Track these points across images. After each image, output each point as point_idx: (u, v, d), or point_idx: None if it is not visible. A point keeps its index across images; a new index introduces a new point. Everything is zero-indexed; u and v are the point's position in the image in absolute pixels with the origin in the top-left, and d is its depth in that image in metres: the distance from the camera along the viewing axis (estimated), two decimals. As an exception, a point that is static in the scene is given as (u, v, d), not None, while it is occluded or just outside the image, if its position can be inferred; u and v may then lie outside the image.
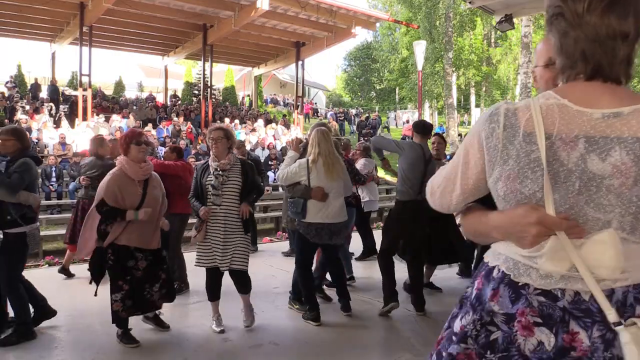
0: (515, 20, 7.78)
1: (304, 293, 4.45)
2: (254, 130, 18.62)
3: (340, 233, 4.46)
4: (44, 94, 19.84)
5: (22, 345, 3.78)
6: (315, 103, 37.88)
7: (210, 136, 4.16)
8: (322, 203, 4.25)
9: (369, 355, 3.80)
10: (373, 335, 4.10)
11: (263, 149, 16.43)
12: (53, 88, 19.46)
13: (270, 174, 14.19)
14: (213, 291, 4.22)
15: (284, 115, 25.82)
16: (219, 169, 4.05)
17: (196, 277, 5.01)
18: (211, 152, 4.17)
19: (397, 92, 43.93)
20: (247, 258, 4.09)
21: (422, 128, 4.85)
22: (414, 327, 4.30)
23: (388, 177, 15.89)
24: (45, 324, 4.17)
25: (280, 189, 11.95)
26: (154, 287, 3.93)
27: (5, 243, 3.73)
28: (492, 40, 34.63)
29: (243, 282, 4.17)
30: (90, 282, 3.83)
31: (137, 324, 4.03)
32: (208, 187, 4.05)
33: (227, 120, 19.48)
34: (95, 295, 3.80)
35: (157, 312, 4.16)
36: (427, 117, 38.11)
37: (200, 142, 16.15)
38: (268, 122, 20.97)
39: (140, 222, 3.80)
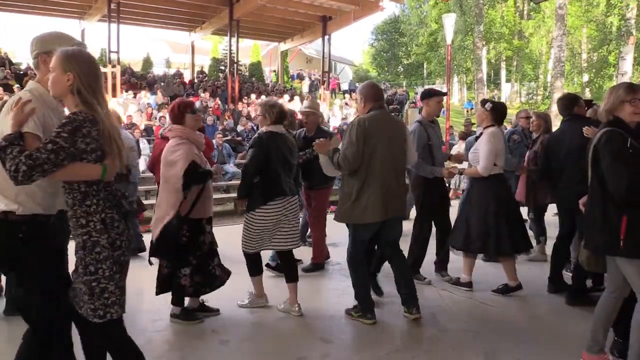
0: (549, -9, 7.50)
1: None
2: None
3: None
4: (74, 70, 20.13)
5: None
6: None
7: None
8: None
9: (392, 329, 3.83)
10: (399, 310, 4.10)
11: (289, 125, 16.43)
12: (83, 65, 19.75)
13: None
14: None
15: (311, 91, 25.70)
16: None
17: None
18: None
19: (425, 66, 43.20)
20: (243, 237, 4.03)
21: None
22: (439, 304, 4.31)
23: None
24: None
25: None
26: (214, 261, 3.87)
27: None
28: (525, 13, 33.58)
29: None
30: (151, 264, 3.63)
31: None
32: None
33: (253, 96, 19.49)
34: (151, 264, 3.64)
35: (200, 300, 3.99)
36: (455, 92, 37.47)
37: (227, 118, 16.24)
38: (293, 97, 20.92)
39: (208, 193, 3.80)
